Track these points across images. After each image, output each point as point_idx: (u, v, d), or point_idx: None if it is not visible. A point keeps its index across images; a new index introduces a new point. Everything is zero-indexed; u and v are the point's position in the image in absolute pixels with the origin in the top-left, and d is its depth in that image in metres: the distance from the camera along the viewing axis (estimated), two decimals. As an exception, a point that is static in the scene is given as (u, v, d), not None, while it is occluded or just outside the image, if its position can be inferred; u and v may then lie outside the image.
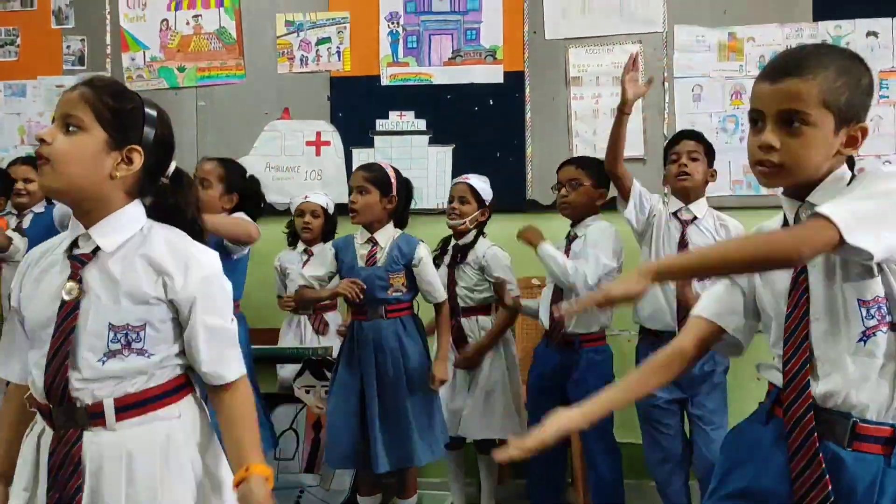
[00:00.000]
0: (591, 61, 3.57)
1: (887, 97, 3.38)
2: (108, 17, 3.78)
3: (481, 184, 2.95)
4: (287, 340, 3.32)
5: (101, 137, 1.28)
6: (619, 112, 2.54)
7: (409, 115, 3.68)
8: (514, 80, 3.59)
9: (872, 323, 1.15)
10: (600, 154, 3.55)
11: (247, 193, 2.71)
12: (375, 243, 2.60)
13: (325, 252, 2.68)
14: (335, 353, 2.88)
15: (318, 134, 3.72)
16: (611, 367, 2.76)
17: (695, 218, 2.66)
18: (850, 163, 1.26)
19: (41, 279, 1.33)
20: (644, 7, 3.52)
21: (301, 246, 3.36)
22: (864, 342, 1.15)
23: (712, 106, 3.50)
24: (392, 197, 2.62)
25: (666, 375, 1.34)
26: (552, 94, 3.59)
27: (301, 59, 3.70)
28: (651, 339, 2.62)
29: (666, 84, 3.53)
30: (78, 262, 1.30)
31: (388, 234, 2.62)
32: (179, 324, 1.34)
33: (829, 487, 1.14)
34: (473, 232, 2.94)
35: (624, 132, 2.54)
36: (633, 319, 2.80)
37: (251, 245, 2.61)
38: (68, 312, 1.27)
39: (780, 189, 1.26)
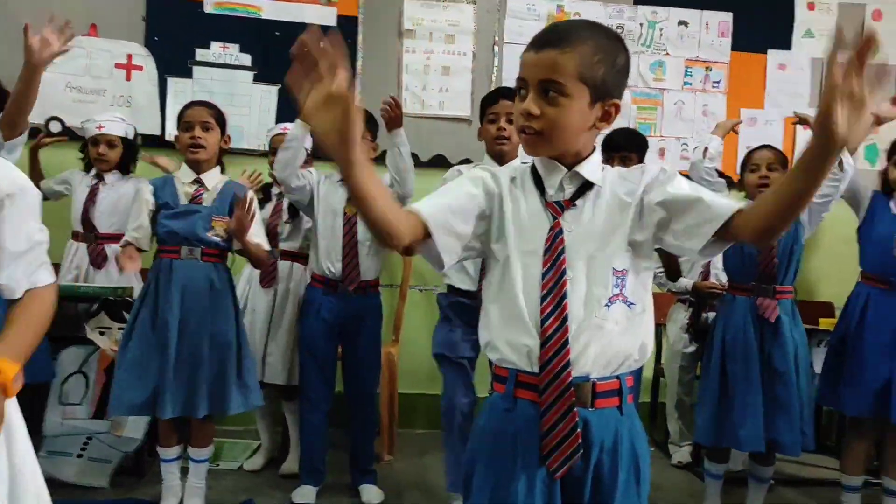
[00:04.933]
0: (426, 16, 3.56)
1: (690, 84, 3.60)
2: None
3: None
4: (65, 274, 2.97)
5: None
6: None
7: (234, 49, 3.48)
8: (348, 25, 3.50)
9: (616, 292, 1.21)
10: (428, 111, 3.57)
11: None
12: (202, 184, 2.48)
13: (140, 196, 2.48)
14: (136, 295, 2.69)
15: (130, 57, 3.43)
16: None
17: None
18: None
19: None
20: (481, -32, 3.57)
21: (93, 172, 3.04)
22: (609, 307, 1.21)
23: (537, 75, 3.62)
24: (227, 137, 2.55)
25: None
26: (385, 44, 3.55)
27: (114, -28, 3.37)
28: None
29: (496, 48, 3.60)
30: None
31: (215, 178, 2.50)
32: None
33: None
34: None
35: None
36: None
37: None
38: None
39: None
